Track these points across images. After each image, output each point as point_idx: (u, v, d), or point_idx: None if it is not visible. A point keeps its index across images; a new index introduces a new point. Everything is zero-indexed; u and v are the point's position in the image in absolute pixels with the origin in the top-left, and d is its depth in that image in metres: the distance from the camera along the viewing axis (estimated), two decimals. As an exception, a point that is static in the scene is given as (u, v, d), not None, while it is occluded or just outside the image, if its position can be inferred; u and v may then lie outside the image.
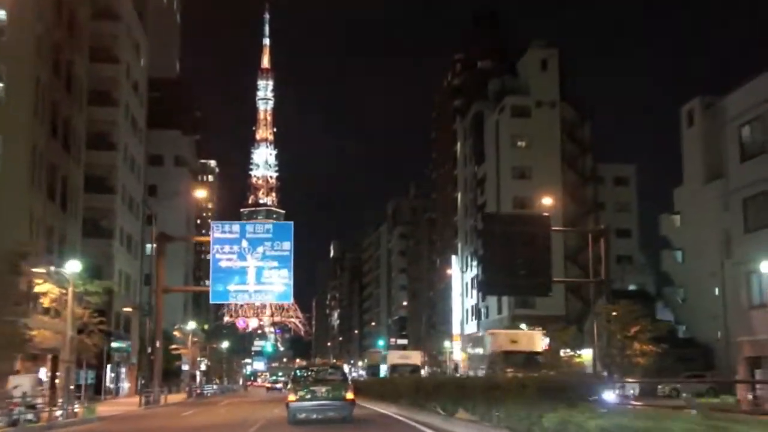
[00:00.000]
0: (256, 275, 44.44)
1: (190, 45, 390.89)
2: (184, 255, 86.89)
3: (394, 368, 59.53)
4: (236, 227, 44.97)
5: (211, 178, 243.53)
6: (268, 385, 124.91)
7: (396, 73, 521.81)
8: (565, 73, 77.77)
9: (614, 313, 37.56)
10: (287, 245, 44.85)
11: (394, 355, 69.61)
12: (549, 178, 74.28)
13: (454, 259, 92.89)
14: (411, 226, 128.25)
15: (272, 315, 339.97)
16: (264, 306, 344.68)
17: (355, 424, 21.38)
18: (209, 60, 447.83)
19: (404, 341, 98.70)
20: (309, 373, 24.24)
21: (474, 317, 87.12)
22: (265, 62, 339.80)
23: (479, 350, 64.77)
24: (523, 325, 59.46)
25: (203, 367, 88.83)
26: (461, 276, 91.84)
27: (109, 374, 54.21)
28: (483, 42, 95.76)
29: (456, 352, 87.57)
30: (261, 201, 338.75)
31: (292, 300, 45.55)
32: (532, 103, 76.34)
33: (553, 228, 47.69)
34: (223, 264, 44.47)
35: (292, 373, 27.44)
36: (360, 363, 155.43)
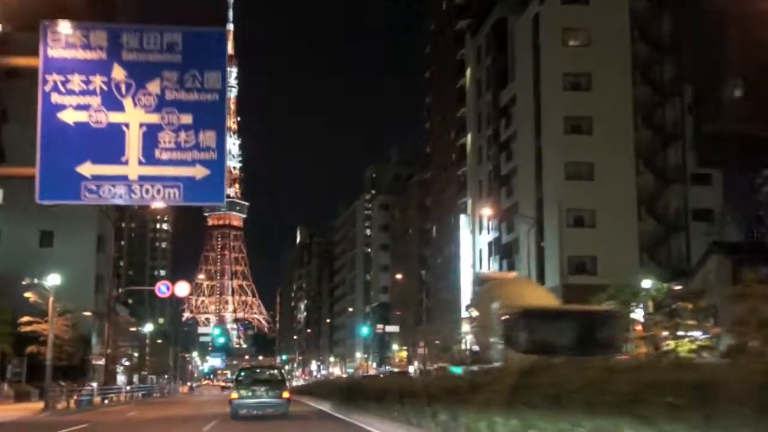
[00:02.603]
0: (145, 143, 18.86)
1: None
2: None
3: None
4: (100, 36, 19.10)
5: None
6: (223, 384, 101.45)
7: (368, 44, 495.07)
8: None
9: None
10: (215, 79, 19.37)
11: None
12: (614, 90, 49.77)
13: (464, 221, 67.78)
14: (394, 195, 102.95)
15: (235, 311, 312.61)
16: (227, 302, 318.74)
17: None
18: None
19: (395, 328, 74.09)
20: (250, 374, 25.42)
21: (493, 294, 62.03)
22: (229, 49, 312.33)
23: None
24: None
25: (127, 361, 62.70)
26: (473, 241, 66.75)
27: None
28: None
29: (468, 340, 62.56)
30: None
31: (224, 200, 20.06)
32: (591, -16, 51.65)
33: None
34: (69, 116, 18.81)
35: (236, 373, 28.12)
36: (332, 359, 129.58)
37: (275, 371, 27.41)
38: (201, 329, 74.72)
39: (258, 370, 27.41)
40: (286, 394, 23.31)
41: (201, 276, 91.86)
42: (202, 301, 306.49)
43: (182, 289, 40.42)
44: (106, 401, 37.26)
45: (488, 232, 63.65)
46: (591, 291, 42.29)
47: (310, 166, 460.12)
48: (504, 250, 59.16)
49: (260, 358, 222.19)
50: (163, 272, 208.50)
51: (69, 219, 57.70)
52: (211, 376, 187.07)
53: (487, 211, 51.62)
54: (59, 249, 57.69)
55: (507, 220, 58.33)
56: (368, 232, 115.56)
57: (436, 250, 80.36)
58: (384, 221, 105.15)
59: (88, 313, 45.71)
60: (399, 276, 74.11)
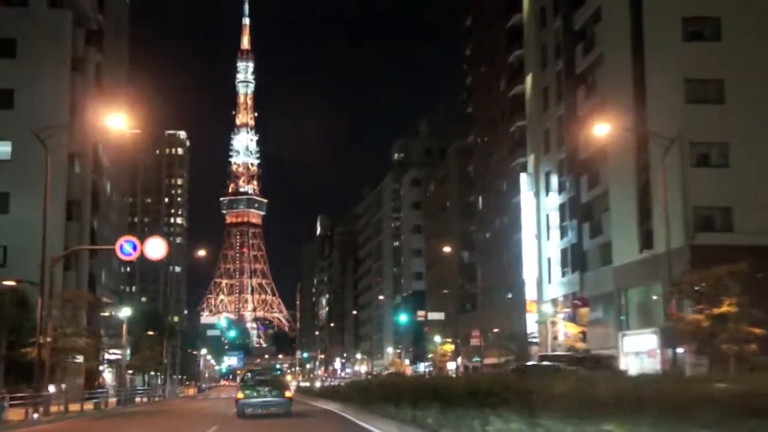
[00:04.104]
0: None
1: (164, 26, 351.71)
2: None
3: None
4: None
5: (180, 151, 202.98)
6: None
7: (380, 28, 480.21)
8: None
9: None
10: None
11: None
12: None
13: (524, 181, 53.78)
14: (428, 168, 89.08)
15: (254, 310, 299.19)
16: (246, 300, 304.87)
17: None
18: (184, 41, 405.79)
19: (440, 315, 59.76)
20: (254, 375, 25.59)
21: (567, 268, 48.10)
22: (245, 43, 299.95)
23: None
24: None
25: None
26: (536, 205, 52.82)
27: None
28: None
29: (533, 328, 48.45)
30: (242, 189, 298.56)
31: None
32: None
33: None
34: None
35: (241, 375, 30.10)
36: (359, 355, 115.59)
37: (278, 372, 28.81)
38: (205, 319, 61.06)
39: (262, 372, 27.55)
40: (288, 394, 23.96)
41: (201, 252, 78.90)
42: (222, 300, 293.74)
43: (155, 248, 26.74)
44: (36, 415, 23.59)
45: (558, 193, 49.70)
46: (728, 254, 28.49)
47: (330, 161, 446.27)
48: (584, 211, 45.13)
49: (280, 356, 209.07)
50: (178, 268, 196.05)
51: (30, 179, 44.14)
52: (230, 376, 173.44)
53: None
54: (17, 215, 44.28)
55: (589, 171, 44.34)
56: (394, 225, 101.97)
57: (483, 225, 66.48)
58: (416, 199, 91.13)
59: (10, 282, 32.11)
60: (447, 249, 60.09)
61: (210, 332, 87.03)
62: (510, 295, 58.35)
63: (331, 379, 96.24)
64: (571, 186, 47.05)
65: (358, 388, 23.81)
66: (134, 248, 26.84)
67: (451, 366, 65.92)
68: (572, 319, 45.28)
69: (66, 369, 33.84)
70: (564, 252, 48.75)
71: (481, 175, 67.54)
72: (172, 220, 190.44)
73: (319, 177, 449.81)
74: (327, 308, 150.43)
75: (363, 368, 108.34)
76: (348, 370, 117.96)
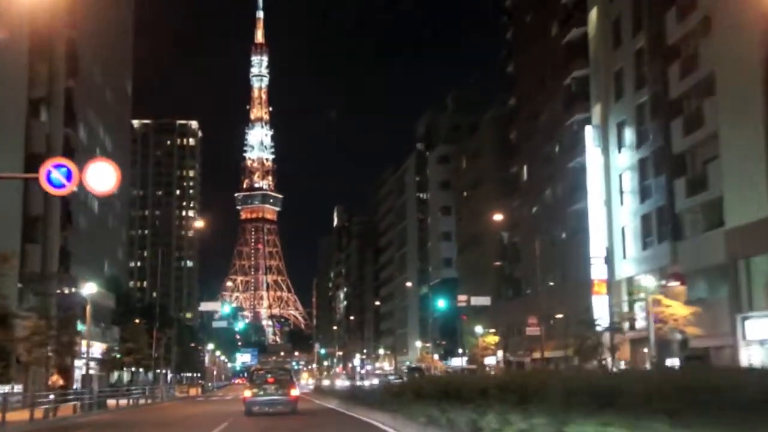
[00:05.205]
0: None
1: (176, 20, 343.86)
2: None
3: None
4: None
5: (192, 141, 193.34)
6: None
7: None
8: None
9: None
10: None
11: None
12: None
13: (590, 135, 43.59)
14: (458, 144, 78.99)
15: (270, 307, 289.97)
16: (261, 297, 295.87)
17: None
18: (197, 37, 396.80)
19: (485, 300, 49.49)
20: (262, 374, 25.83)
21: (651, 237, 37.97)
22: (259, 36, 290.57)
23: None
24: None
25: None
26: (604, 165, 42.70)
27: None
28: None
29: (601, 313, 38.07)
30: (256, 185, 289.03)
31: None
32: None
33: None
34: None
35: (248, 373, 31.12)
36: (382, 351, 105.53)
37: (284, 371, 28.14)
38: (204, 306, 51.96)
39: (270, 370, 27.69)
40: (294, 392, 24.13)
41: (200, 224, 68.86)
42: (236, 296, 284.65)
43: (101, 177, 16.54)
44: None
45: (637, 147, 39.52)
46: None
47: (347, 154, 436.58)
48: (677, 164, 34.94)
49: (296, 354, 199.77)
50: (190, 263, 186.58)
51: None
52: (244, 374, 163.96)
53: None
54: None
55: (685, 112, 34.26)
56: (419, 208, 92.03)
57: (528, 198, 56.53)
58: (444, 177, 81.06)
59: None
60: (499, 216, 49.71)
61: (217, 324, 77.32)
62: (564, 277, 48.73)
63: (360, 377, 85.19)
64: (657, 134, 36.90)
65: (420, 389, 13.92)
66: (69, 177, 16.52)
67: (489, 361, 56.12)
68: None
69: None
70: (645, 218, 38.62)
71: (526, 141, 57.53)
72: (183, 213, 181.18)
73: (335, 172, 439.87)
74: (345, 302, 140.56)
75: (386, 365, 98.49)
76: (368, 367, 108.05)
